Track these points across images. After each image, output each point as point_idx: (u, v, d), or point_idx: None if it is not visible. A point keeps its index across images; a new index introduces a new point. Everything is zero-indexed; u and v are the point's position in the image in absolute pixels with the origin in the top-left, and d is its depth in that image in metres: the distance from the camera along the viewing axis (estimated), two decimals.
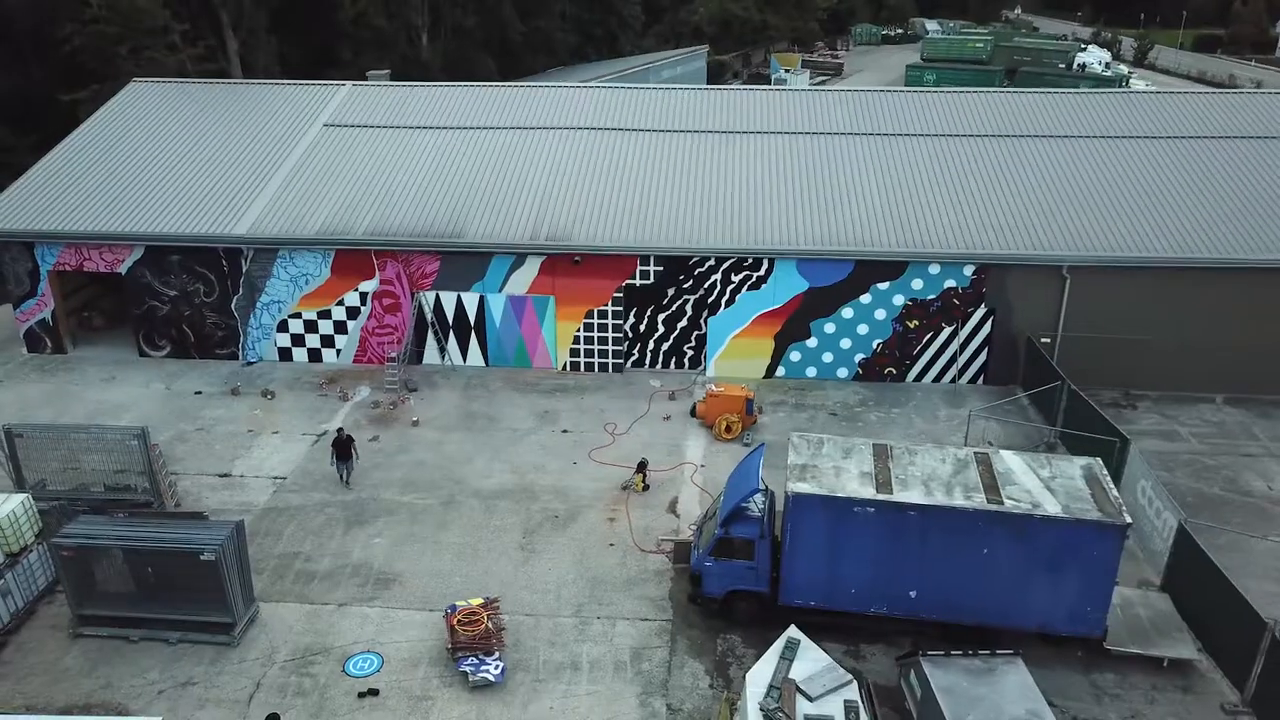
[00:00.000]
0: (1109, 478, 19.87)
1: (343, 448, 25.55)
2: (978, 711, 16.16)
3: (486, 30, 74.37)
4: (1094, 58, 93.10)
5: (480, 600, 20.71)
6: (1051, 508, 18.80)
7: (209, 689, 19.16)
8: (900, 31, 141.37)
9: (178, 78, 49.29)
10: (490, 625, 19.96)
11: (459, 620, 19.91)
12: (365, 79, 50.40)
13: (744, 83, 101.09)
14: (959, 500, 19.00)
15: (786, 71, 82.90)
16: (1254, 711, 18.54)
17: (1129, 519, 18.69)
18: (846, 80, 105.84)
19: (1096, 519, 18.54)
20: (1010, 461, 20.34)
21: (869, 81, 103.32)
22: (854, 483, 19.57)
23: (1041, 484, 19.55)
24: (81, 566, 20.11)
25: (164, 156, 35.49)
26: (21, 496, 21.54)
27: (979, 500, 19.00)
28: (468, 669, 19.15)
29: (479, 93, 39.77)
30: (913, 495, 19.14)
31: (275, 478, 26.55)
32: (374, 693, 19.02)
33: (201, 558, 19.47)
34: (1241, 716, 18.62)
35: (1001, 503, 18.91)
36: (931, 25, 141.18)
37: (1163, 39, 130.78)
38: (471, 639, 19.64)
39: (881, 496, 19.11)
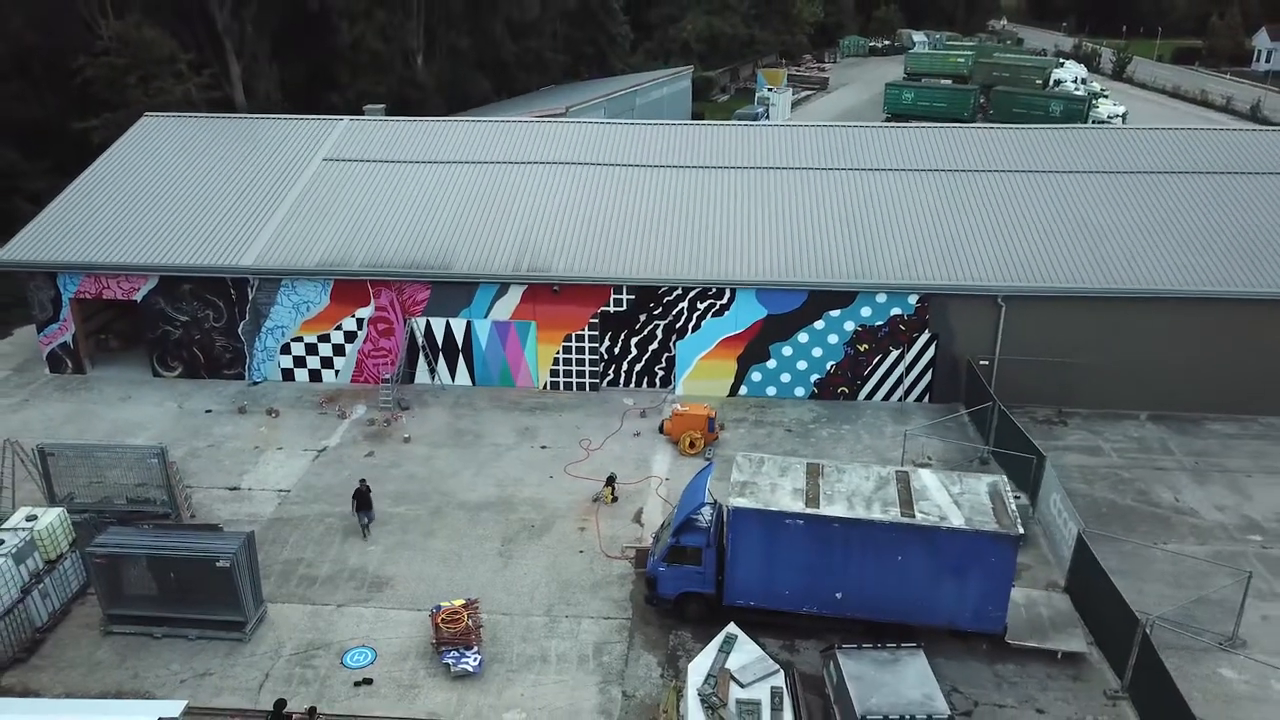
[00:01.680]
0: (1010, 494, 22.66)
1: (363, 498, 26.66)
2: (880, 695, 19.01)
3: (480, 51, 77.11)
4: (1069, 74, 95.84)
5: (462, 601, 23.35)
6: (956, 520, 21.64)
7: (224, 679, 21.93)
8: (888, 43, 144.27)
9: (186, 106, 52.45)
10: (470, 623, 22.66)
11: (443, 619, 22.60)
12: (363, 112, 53.47)
13: (731, 97, 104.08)
14: (876, 514, 21.82)
15: (770, 90, 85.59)
16: (1130, 696, 21.37)
17: (1022, 531, 21.55)
18: (831, 94, 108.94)
19: (993, 530, 21.37)
20: (926, 479, 23.17)
21: (853, 95, 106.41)
22: (787, 498, 22.40)
23: (951, 499, 22.38)
24: (112, 572, 22.82)
25: (175, 189, 38.23)
26: (58, 510, 24.32)
27: (894, 514, 21.82)
28: (450, 661, 21.90)
29: (467, 127, 42.66)
30: (836, 509, 21.96)
31: (280, 491, 29.35)
32: (368, 682, 21.79)
33: (217, 565, 22.22)
34: (1120, 701, 21.47)
35: (913, 516, 21.74)
36: (918, 37, 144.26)
37: (1144, 50, 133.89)
38: (454, 635, 22.35)
39: (809, 510, 21.92)
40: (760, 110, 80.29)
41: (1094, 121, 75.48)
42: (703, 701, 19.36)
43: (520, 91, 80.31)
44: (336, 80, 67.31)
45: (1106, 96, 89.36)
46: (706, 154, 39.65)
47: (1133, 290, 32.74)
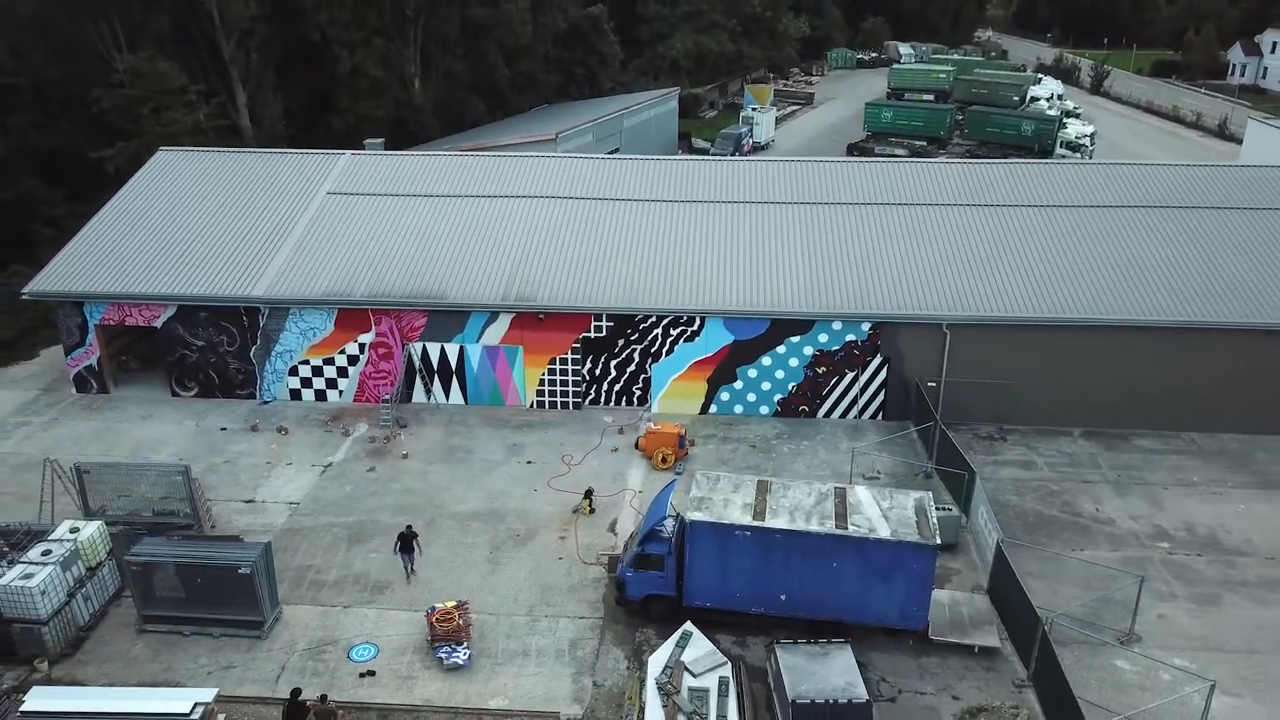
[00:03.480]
0: (934, 509, 25.89)
1: (406, 541, 28.32)
2: (809, 683, 22.21)
3: (474, 74, 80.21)
4: (1045, 91, 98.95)
5: (454, 602, 26.40)
6: (883, 532, 24.85)
7: (246, 671, 25.11)
8: (875, 55, 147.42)
9: (196, 134, 55.74)
10: (461, 622, 25.78)
11: (437, 618, 25.71)
12: (363, 136, 56.61)
13: (719, 113, 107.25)
14: (814, 526, 25.03)
15: (754, 109, 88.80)
16: (1034, 685, 24.59)
17: (939, 541, 24.82)
18: (817, 109, 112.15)
19: (915, 541, 24.59)
20: (861, 495, 26.38)
21: (837, 111, 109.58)
22: (737, 512, 25.61)
23: (880, 513, 25.59)
24: (146, 578, 25.92)
25: (190, 222, 41.35)
26: (98, 523, 27.47)
27: (829, 526, 25.02)
28: (443, 655, 25.06)
29: (461, 161, 45.95)
30: (779, 522, 25.17)
31: (290, 503, 32.51)
32: (371, 674, 24.93)
33: (239, 571, 25.37)
34: (1025, 689, 24.69)
35: (846, 528, 24.96)
36: (905, 49, 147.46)
37: (1123, 62, 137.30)
38: (446, 633, 25.48)
39: (755, 523, 25.13)
40: (744, 130, 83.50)
41: (1062, 142, 78.73)
42: (659, 689, 22.58)
43: (513, 112, 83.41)
44: (337, 105, 70.41)
45: (1078, 115, 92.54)
46: (680, 188, 42.88)
47: (1067, 319, 35.94)
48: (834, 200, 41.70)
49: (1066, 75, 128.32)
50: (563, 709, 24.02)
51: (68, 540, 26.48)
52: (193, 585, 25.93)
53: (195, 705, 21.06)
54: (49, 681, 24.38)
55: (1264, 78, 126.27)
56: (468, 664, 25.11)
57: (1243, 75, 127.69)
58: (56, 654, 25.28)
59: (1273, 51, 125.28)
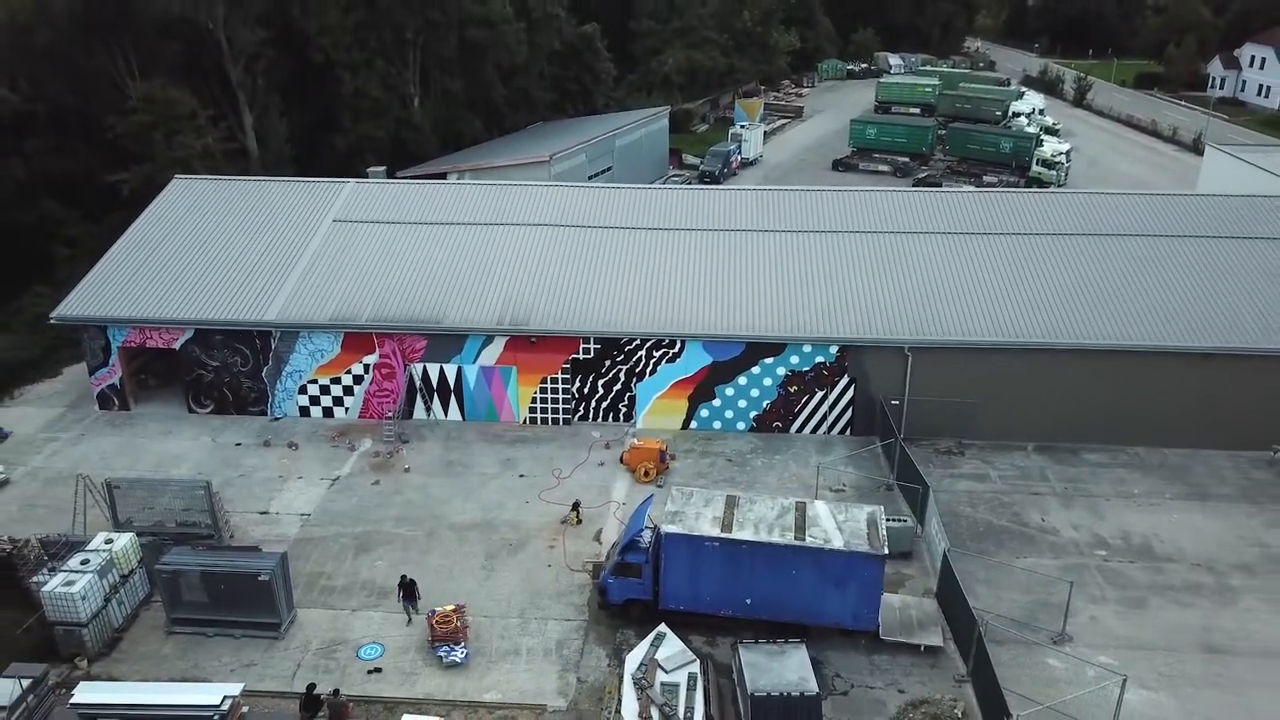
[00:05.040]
0: (884, 522, 28.75)
1: (408, 590, 29.70)
2: (767, 678, 25.07)
3: (471, 93, 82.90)
4: (1026, 106, 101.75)
5: (452, 606, 29.14)
6: (836, 542, 27.71)
7: (265, 668, 27.93)
8: (865, 66, 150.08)
9: (206, 158, 58.51)
10: (459, 624, 28.57)
11: (437, 620, 28.50)
12: (365, 156, 59.25)
13: (710, 127, 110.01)
14: (775, 537, 27.89)
15: (743, 126, 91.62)
16: (971, 679, 27.44)
17: (886, 552, 27.68)
18: (805, 123, 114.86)
19: (865, 551, 27.45)
20: (819, 509, 29.24)
21: (825, 124, 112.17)
22: (707, 524, 28.46)
23: (836, 526, 28.45)
24: (174, 584, 28.77)
25: (205, 249, 44.10)
26: (129, 534, 30.29)
27: (789, 537, 27.88)
28: (442, 654, 27.88)
29: (458, 190, 48.86)
30: (744, 534, 28.02)
31: (302, 514, 35.30)
32: (378, 670, 27.77)
33: (259, 579, 28.18)
34: (964, 683, 27.54)
35: (804, 539, 27.81)
36: (894, 60, 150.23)
37: (1108, 73, 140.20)
38: (445, 633, 28.27)
39: (723, 535, 28.00)
40: (733, 146, 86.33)
41: (1038, 160, 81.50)
42: (635, 684, 25.44)
43: (509, 129, 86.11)
44: (339, 125, 73.13)
45: (1057, 132, 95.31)
46: (663, 216, 45.73)
47: (1021, 343, 38.75)
48: (806, 229, 44.55)
49: (1051, 87, 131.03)
50: (549, 702, 26.88)
51: (103, 550, 29.28)
52: (216, 591, 28.72)
53: (225, 698, 23.89)
54: (88, 678, 27.16)
55: (1242, 90, 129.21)
56: (465, 662, 27.91)
57: (1222, 88, 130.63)
58: (95, 653, 28.10)
59: (1251, 65, 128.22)
